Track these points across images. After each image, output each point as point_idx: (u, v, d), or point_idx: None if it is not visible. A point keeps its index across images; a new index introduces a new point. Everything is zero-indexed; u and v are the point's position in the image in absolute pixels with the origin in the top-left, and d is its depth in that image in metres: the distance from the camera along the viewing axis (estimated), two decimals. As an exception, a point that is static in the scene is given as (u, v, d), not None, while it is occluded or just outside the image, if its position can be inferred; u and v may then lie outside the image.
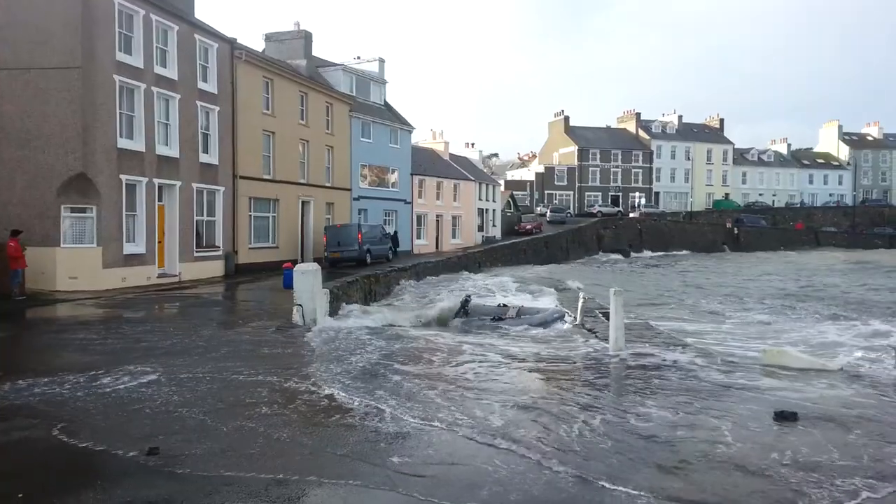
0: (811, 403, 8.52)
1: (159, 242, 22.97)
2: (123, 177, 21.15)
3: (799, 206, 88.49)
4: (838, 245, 75.68)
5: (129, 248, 21.50)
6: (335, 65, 39.10)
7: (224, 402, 8.22)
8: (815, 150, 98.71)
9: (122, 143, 21.20)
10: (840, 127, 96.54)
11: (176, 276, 23.35)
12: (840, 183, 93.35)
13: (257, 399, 8.31)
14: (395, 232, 39.21)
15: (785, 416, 7.78)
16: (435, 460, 6.25)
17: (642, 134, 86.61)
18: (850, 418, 7.88)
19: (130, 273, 21.37)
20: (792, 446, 6.74)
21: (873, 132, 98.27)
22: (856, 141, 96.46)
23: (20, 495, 5.20)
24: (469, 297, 19.83)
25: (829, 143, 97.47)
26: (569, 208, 75.54)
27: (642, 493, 5.42)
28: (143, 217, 22.04)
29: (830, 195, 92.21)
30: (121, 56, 21.12)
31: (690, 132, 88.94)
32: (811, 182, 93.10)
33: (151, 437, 6.54)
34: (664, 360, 11.29)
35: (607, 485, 5.60)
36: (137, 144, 21.84)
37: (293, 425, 7.26)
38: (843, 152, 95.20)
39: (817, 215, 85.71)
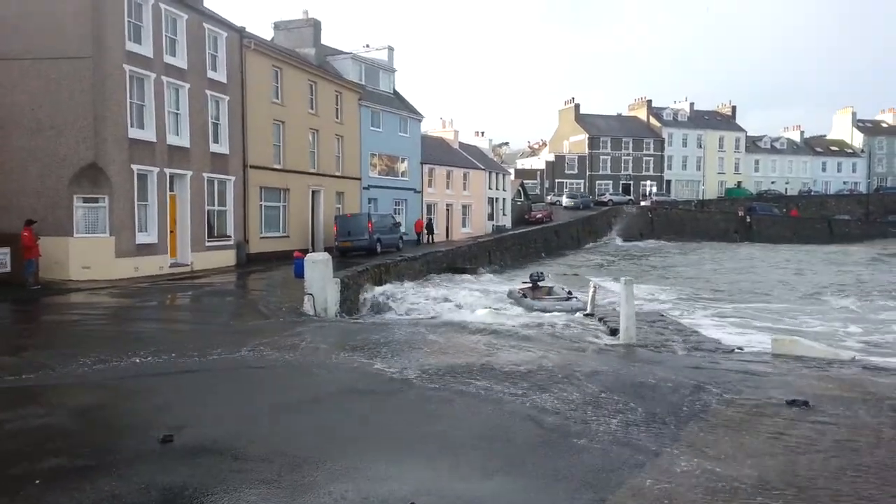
0: (820, 391, 8.49)
1: (171, 232, 23.10)
2: (135, 166, 21.25)
3: (809, 193, 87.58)
4: (852, 234, 74.38)
5: (141, 238, 21.63)
6: (344, 53, 39.00)
7: (241, 390, 8.27)
8: (829, 137, 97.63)
9: (133, 132, 21.29)
10: (854, 114, 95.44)
11: (188, 265, 23.48)
12: (854, 170, 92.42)
13: (274, 387, 8.38)
14: (430, 220, 42.24)
15: (796, 405, 7.75)
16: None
17: (654, 121, 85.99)
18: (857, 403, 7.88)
19: (143, 262, 21.51)
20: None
21: (888, 119, 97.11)
22: (870, 128, 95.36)
23: (37, 481, 5.26)
24: (540, 274, 20.65)
25: (842, 130, 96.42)
26: (588, 195, 75.07)
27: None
28: (155, 207, 22.16)
29: (844, 183, 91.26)
30: (130, 45, 21.16)
31: (702, 119, 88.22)
32: (824, 170, 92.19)
33: (167, 424, 6.58)
34: (674, 351, 11.29)
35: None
36: (148, 134, 21.93)
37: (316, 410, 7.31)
38: (857, 139, 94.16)
39: (830, 203, 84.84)
